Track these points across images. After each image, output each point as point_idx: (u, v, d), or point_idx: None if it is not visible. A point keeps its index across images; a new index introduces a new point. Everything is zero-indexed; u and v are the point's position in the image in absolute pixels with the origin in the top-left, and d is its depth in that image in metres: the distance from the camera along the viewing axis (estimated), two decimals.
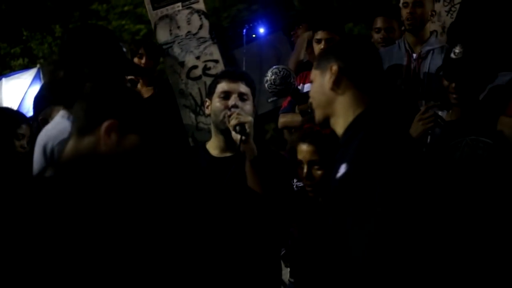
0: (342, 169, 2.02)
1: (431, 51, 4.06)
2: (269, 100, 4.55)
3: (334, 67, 2.16)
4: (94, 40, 2.77)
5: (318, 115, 2.25)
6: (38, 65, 7.52)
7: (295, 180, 3.11)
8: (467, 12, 4.61)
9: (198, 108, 4.90)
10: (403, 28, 4.48)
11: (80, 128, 1.90)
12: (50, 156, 2.66)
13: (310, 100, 2.31)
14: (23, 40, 12.25)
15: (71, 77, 2.58)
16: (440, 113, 3.26)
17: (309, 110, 3.02)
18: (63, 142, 2.50)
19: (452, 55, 3.19)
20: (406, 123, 3.34)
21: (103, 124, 1.82)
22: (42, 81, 7.16)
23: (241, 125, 2.76)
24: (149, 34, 11.37)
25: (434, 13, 4.31)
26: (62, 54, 2.76)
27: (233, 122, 2.78)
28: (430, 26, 4.55)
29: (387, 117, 2.14)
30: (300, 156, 3.02)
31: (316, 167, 3.00)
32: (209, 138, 3.03)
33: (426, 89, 3.92)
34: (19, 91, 7.11)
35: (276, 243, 2.96)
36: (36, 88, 7.08)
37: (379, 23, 4.79)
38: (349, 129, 2.14)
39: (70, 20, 12.15)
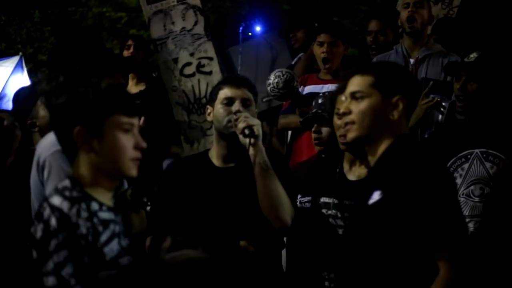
0: (376, 196, 2.15)
1: (429, 56, 4.06)
2: (264, 100, 4.51)
3: (402, 104, 2.24)
4: (81, 43, 2.81)
5: (357, 133, 2.24)
6: (20, 53, 7.36)
7: (299, 196, 3.02)
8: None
9: (191, 106, 4.82)
10: (400, 30, 4.48)
11: None
12: (42, 167, 2.60)
13: (352, 116, 2.24)
14: (1, 24, 12.05)
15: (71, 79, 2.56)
16: (443, 103, 3.51)
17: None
18: (56, 153, 2.46)
19: (466, 59, 3.23)
20: None
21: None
22: (24, 70, 7.04)
23: (249, 128, 2.69)
24: (130, 22, 11.28)
25: (433, 18, 4.32)
26: (51, 58, 2.75)
27: (241, 125, 2.71)
28: (428, 30, 4.56)
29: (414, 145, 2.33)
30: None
31: None
32: (202, 136, 2.97)
33: (424, 94, 3.92)
34: (0, 78, 6.96)
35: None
36: (18, 76, 6.95)
37: (371, 26, 4.77)
38: (384, 156, 2.23)
39: (49, 6, 11.97)
